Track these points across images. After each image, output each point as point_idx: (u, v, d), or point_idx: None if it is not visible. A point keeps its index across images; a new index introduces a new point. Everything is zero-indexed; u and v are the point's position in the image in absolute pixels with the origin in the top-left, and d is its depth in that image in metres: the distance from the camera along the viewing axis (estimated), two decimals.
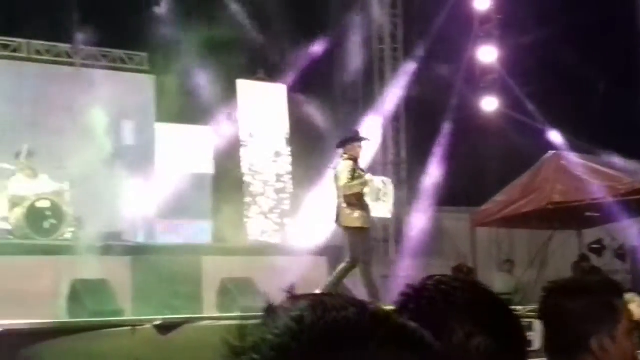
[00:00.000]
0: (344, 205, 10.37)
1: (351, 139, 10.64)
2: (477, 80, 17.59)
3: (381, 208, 10.54)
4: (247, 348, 0.98)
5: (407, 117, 17.15)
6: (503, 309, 1.69)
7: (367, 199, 10.37)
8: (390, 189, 10.64)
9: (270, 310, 1.02)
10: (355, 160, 10.43)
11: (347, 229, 10.47)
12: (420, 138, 16.67)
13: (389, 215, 10.83)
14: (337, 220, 10.54)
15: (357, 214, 10.32)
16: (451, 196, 16.32)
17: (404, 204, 16.95)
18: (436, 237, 16.68)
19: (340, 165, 10.47)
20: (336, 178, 10.47)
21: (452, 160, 16.41)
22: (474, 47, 17.52)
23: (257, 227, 15.13)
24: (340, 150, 10.57)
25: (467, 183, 15.03)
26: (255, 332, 0.99)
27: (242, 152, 15.35)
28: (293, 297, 1.03)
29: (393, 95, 16.94)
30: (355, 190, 10.29)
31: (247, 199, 15.20)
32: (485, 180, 15.84)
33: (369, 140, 11.11)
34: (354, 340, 0.96)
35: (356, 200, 10.33)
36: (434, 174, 16.72)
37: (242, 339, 0.99)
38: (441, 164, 16.73)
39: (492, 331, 1.62)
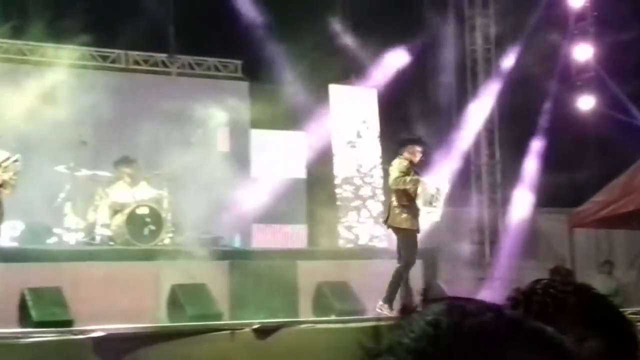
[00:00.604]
0: (395, 204, 10.28)
1: (412, 141, 10.55)
2: (572, 78, 17.26)
3: (431, 213, 10.41)
4: (383, 350, 0.97)
5: (501, 117, 16.93)
6: (614, 313, 1.67)
7: (419, 203, 10.25)
8: (442, 195, 10.48)
9: (406, 312, 1.01)
10: (411, 162, 10.34)
11: (396, 230, 10.36)
12: (514, 138, 16.45)
13: (438, 219, 10.67)
14: (387, 220, 10.46)
15: (405, 215, 10.21)
16: (548, 197, 16.05)
17: (499, 206, 16.77)
18: (532, 239, 16.44)
19: (394, 163, 10.37)
20: (389, 176, 10.42)
21: (548, 160, 16.15)
22: (569, 45, 17.21)
23: (367, 231, 14.94)
24: (401, 150, 10.48)
25: (564, 183, 14.75)
26: (391, 334, 0.98)
27: (347, 155, 15.16)
28: (428, 300, 1.02)
29: (486, 95, 16.78)
30: (407, 186, 10.15)
31: (356, 202, 15.07)
32: (583, 180, 15.53)
33: (428, 148, 11.00)
34: (492, 346, 0.95)
35: (407, 201, 10.20)
36: (529, 174, 16.50)
37: (377, 341, 0.98)
38: (537, 164, 16.49)
39: (603, 335, 1.60)
